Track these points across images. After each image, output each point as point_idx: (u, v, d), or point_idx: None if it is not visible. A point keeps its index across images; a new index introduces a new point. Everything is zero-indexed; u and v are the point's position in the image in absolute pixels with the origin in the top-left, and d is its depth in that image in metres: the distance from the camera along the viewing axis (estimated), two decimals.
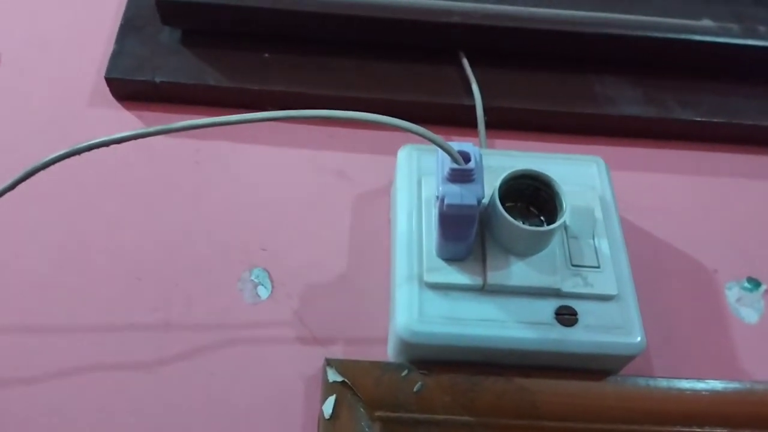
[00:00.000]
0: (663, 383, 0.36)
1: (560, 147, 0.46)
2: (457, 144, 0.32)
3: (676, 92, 0.47)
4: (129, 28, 0.46)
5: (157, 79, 0.44)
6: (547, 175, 0.34)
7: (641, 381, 0.36)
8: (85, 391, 0.35)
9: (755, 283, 0.42)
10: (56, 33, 0.48)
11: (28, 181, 0.31)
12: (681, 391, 0.36)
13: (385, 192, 0.43)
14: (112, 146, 0.41)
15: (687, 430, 0.35)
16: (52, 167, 0.31)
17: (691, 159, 0.46)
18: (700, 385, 0.36)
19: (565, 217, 0.33)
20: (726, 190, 0.45)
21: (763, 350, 0.40)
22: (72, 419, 0.35)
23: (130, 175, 0.42)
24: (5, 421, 0.34)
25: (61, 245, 0.39)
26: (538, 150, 0.45)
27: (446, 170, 0.31)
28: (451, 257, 0.35)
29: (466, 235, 0.33)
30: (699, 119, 0.46)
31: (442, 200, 0.31)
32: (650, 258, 0.42)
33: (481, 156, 0.32)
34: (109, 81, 0.44)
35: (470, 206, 0.31)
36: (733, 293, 0.41)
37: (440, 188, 0.32)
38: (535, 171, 0.35)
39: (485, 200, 0.35)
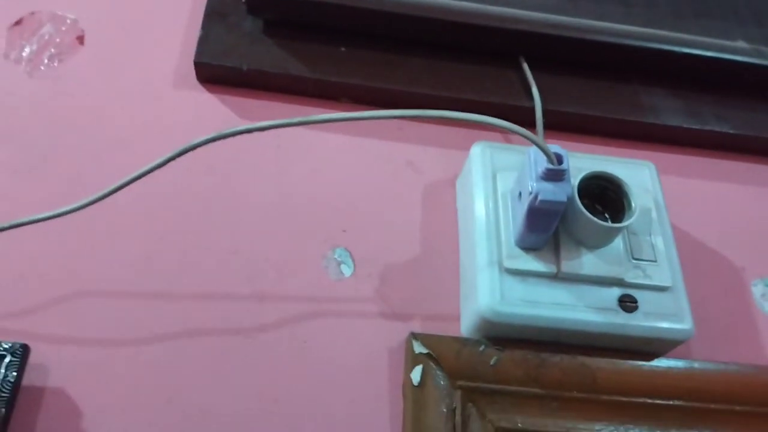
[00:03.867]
0: (701, 365, 0.41)
1: (607, 149, 0.50)
2: (550, 146, 0.35)
3: (712, 106, 0.51)
4: (214, 15, 0.48)
5: (244, 67, 0.46)
6: (618, 178, 0.39)
7: (683, 363, 0.41)
8: (188, 353, 0.38)
9: None
10: (135, 16, 0.50)
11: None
12: (716, 372, 0.41)
13: (450, 183, 0.47)
14: (190, 125, 0.45)
15: (722, 407, 0.40)
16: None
17: (724, 168, 0.51)
18: (732, 368, 0.41)
19: (636, 216, 0.38)
20: (754, 197, 0.50)
21: None
22: (175, 379, 0.38)
23: (218, 155, 0.45)
24: (113, 379, 0.37)
25: (162, 221, 0.42)
26: (588, 151, 0.49)
27: (541, 169, 0.35)
28: (529, 246, 0.39)
29: (549, 227, 0.37)
30: (732, 132, 0.51)
31: (536, 196, 0.35)
32: (686, 255, 0.47)
33: (568, 158, 0.36)
34: (198, 65, 0.46)
35: (561, 202, 0.35)
36: (758, 289, 0.46)
37: (534, 185, 0.35)
38: (608, 173, 0.39)
39: None
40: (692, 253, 0.47)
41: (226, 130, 0.33)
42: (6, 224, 0.34)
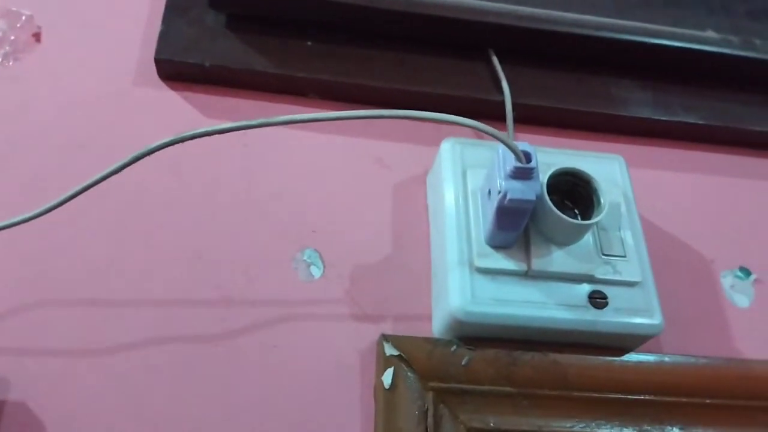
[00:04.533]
0: (672, 359, 0.41)
1: (577, 142, 0.50)
2: (519, 144, 0.35)
3: (680, 97, 0.51)
4: (175, 9, 0.47)
5: (207, 63, 0.45)
6: (587, 174, 0.38)
7: (653, 357, 0.41)
8: (155, 362, 0.37)
9: (746, 272, 0.47)
10: (94, 12, 0.48)
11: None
12: (686, 365, 0.41)
13: (420, 179, 0.46)
14: (153, 124, 0.44)
15: (693, 400, 0.40)
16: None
17: (693, 159, 0.51)
18: (702, 361, 0.42)
19: (605, 212, 0.37)
20: (723, 188, 0.50)
21: (752, 332, 0.45)
22: (141, 389, 0.37)
23: (182, 155, 0.43)
24: (77, 390, 0.36)
25: (124, 226, 0.41)
26: (558, 144, 0.49)
27: (509, 167, 0.35)
28: (499, 245, 0.39)
29: (518, 225, 0.37)
30: (700, 122, 0.51)
31: (504, 195, 0.35)
32: (656, 247, 0.47)
33: (536, 155, 0.36)
34: (159, 62, 0.45)
35: (530, 201, 0.35)
36: (727, 281, 0.46)
37: (503, 184, 0.35)
38: (577, 169, 0.38)
39: None
40: (661, 246, 0.47)
41: (184, 133, 0.32)
42: None
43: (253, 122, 0.31)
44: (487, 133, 0.34)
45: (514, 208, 0.35)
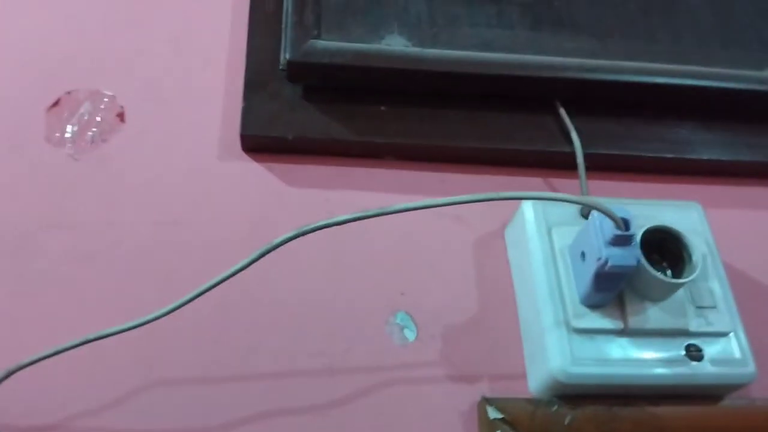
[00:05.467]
0: (763, 402, 0.42)
1: (647, 186, 0.51)
2: (616, 208, 0.36)
3: (743, 135, 0.52)
4: (253, 85, 0.48)
5: (290, 135, 0.47)
6: (677, 231, 0.39)
7: (745, 402, 0.42)
8: None
9: None
10: (172, 88, 0.50)
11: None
12: None
13: (497, 234, 0.48)
14: (241, 197, 0.45)
15: None
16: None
17: (760, 196, 0.52)
18: None
19: (699, 269, 0.38)
20: None
21: None
22: None
23: (269, 226, 0.45)
24: None
25: (226, 302, 0.42)
26: (629, 190, 0.50)
27: (608, 235, 0.36)
28: (594, 304, 0.40)
29: (616, 288, 0.38)
30: (765, 160, 0.52)
31: (605, 262, 0.36)
32: (733, 288, 0.47)
33: (633, 220, 0.37)
34: (244, 137, 0.47)
35: (631, 267, 0.36)
36: None
37: (603, 251, 0.36)
38: (668, 227, 0.39)
39: None
40: (737, 286, 0.47)
41: (306, 227, 0.33)
42: (92, 336, 0.34)
43: (371, 212, 0.33)
44: (590, 206, 0.35)
45: (615, 273, 0.36)
